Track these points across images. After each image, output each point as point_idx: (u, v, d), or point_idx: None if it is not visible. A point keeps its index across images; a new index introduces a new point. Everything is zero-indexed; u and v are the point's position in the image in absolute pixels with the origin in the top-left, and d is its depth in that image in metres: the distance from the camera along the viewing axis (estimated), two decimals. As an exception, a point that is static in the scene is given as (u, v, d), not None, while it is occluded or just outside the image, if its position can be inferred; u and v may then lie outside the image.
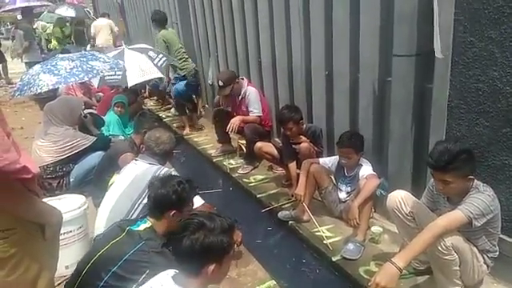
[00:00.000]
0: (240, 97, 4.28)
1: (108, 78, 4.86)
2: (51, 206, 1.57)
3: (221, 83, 4.21)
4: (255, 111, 4.19)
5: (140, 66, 4.96)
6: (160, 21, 5.92)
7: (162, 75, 5.33)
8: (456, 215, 1.97)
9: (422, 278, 2.44)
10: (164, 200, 2.01)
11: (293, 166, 3.57)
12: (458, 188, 2.04)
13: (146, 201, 2.40)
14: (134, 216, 2.41)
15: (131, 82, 4.89)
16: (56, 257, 1.66)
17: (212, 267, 1.43)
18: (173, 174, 2.57)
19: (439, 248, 2.00)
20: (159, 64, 5.18)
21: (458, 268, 2.08)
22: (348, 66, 3.29)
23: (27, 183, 1.43)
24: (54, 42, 9.89)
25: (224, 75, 4.38)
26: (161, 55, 5.32)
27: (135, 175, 2.60)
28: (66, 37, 10.01)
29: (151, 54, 5.28)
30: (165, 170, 2.62)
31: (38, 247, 1.52)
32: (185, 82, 5.85)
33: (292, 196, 3.42)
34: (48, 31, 10.39)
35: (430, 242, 1.95)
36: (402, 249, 2.31)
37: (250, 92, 4.24)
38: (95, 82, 5.01)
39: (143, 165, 2.67)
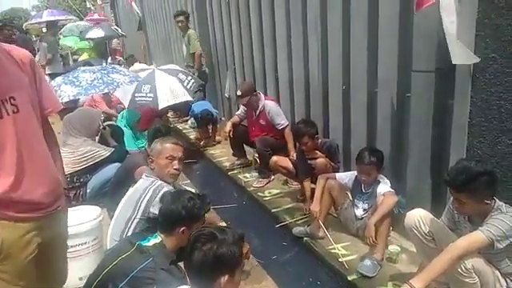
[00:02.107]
0: (258, 111, 4.28)
1: (138, 99, 4.88)
2: None
3: (239, 92, 4.27)
4: (282, 122, 4.18)
5: (171, 89, 4.97)
6: (188, 18, 6.30)
7: (191, 98, 5.32)
8: (477, 236, 1.91)
9: (440, 301, 2.35)
10: (173, 216, 2.00)
11: (307, 182, 3.54)
12: (474, 209, 1.99)
13: (140, 215, 2.39)
14: (129, 233, 2.35)
15: (162, 104, 4.89)
16: (18, 274, 1.55)
17: (225, 278, 1.42)
18: (166, 188, 2.44)
19: (459, 270, 1.94)
20: (188, 86, 5.19)
21: (479, 291, 2.00)
22: (366, 80, 3.26)
23: None
24: (84, 56, 10.16)
25: (244, 86, 4.47)
26: (189, 77, 5.36)
27: (134, 190, 2.57)
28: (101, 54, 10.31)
29: (181, 76, 5.29)
30: (156, 185, 2.47)
31: None
32: (202, 105, 5.88)
33: (307, 211, 3.38)
34: (77, 47, 10.72)
35: (449, 263, 1.89)
36: (420, 270, 2.24)
37: (271, 106, 4.23)
38: (126, 103, 5.05)
39: (142, 179, 2.61)
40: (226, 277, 1.42)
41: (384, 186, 2.83)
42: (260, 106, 4.26)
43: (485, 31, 2.25)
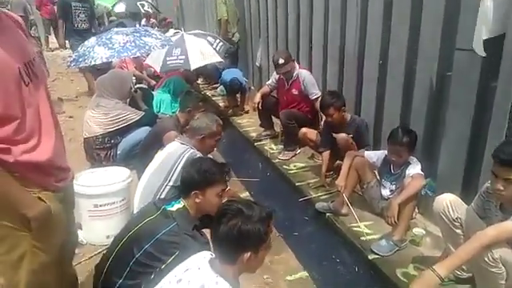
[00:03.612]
0: (291, 80, 4.19)
1: (170, 62, 4.94)
2: (34, 200, 1.47)
3: (281, 61, 4.09)
4: (316, 92, 4.11)
5: (201, 50, 5.02)
6: None
7: (221, 59, 5.34)
8: (508, 226, 1.84)
9: (462, 287, 2.31)
10: (187, 179, 2.05)
11: (326, 153, 3.56)
12: None
13: (172, 183, 2.45)
14: (162, 197, 2.42)
15: (194, 65, 4.94)
16: (54, 243, 1.59)
17: (248, 255, 1.43)
18: (199, 156, 2.52)
19: (486, 259, 1.88)
20: (217, 49, 5.24)
21: (503, 282, 1.95)
22: (405, 55, 3.12)
23: (17, 168, 1.40)
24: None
25: (283, 53, 4.31)
26: (218, 40, 5.39)
27: (165, 155, 2.62)
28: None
29: (209, 39, 5.35)
30: (190, 152, 2.57)
31: (23, 231, 1.49)
32: (233, 73, 5.82)
33: (325, 184, 3.49)
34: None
35: (476, 251, 1.83)
36: (444, 255, 2.21)
37: (305, 75, 4.15)
38: (157, 68, 5.11)
39: (175, 145, 2.67)
40: (249, 253, 1.43)
41: (414, 168, 2.74)
42: (294, 75, 4.17)
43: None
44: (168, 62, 4.95)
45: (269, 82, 4.60)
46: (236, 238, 1.41)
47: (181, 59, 4.91)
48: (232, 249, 1.43)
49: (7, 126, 1.38)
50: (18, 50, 1.44)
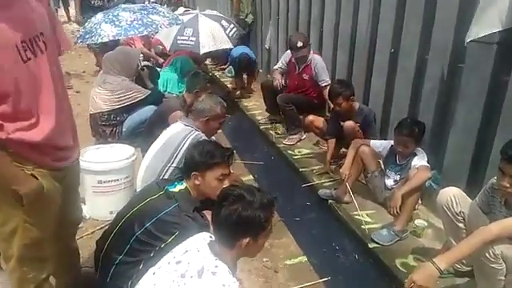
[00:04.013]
0: (304, 64, 4.12)
1: (181, 42, 4.87)
2: (26, 176, 1.46)
3: (300, 44, 3.96)
4: (327, 79, 4.05)
5: (213, 35, 4.93)
6: None
7: (231, 46, 5.24)
8: (511, 223, 1.82)
9: (461, 280, 2.32)
10: (188, 161, 2.07)
11: (332, 141, 3.56)
12: None
13: (175, 164, 2.45)
14: (165, 178, 2.42)
15: (203, 49, 4.88)
16: (47, 219, 1.60)
17: (246, 241, 1.42)
18: (203, 138, 2.52)
19: (487, 255, 1.88)
20: (230, 34, 5.12)
21: (503, 278, 1.94)
22: (417, 45, 3.07)
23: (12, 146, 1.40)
24: None
25: (301, 36, 4.16)
26: (232, 25, 5.27)
27: (169, 136, 2.62)
28: None
29: (224, 23, 5.22)
30: (195, 134, 2.56)
31: (15, 206, 1.48)
32: (241, 49, 5.75)
33: (330, 171, 3.50)
34: None
35: (478, 247, 1.83)
36: (445, 248, 2.21)
37: (318, 61, 4.09)
38: (168, 45, 5.05)
39: (180, 126, 2.66)
40: (248, 239, 1.42)
41: (420, 160, 2.71)
42: (307, 60, 4.10)
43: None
44: (178, 42, 4.89)
45: (278, 65, 4.50)
46: (235, 223, 1.41)
47: (192, 41, 4.84)
48: (231, 233, 1.43)
49: None
50: (22, 25, 1.40)
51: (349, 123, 3.30)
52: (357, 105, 3.44)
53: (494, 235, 1.82)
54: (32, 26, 1.45)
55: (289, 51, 4.23)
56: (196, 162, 2.04)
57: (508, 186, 1.88)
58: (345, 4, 4.00)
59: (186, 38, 4.84)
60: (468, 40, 2.34)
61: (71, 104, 1.75)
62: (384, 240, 2.61)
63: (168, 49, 5.13)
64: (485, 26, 2.26)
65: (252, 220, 1.42)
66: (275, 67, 4.57)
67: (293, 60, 4.18)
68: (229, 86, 6.28)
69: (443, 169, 2.83)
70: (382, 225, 2.79)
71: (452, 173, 2.77)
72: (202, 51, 4.91)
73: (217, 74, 7.02)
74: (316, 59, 4.09)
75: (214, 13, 5.69)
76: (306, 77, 4.12)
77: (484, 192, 2.17)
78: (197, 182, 2.03)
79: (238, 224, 1.41)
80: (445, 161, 2.85)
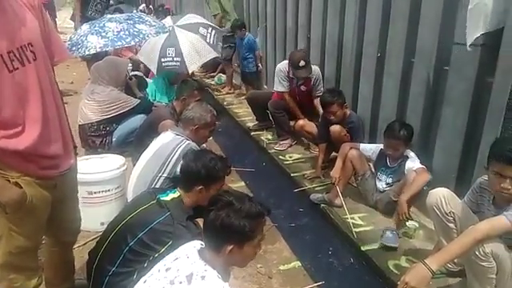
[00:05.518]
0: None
1: (166, 64, 4.66)
2: (7, 185, 1.46)
3: (302, 63, 3.76)
4: (322, 90, 3.97)
5: (196, 49, 4.75)
6: None
7: (217, 54, 5.09)
8: (500, 221, 1.85)
9: (453, 280, 2.35)
10: (193, 174, 2.02)
11: (323, 146, 3.60)
12: None
13: (166, 174, 2.44)
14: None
15: (191, 67, 4.72)
16: (33, 228, 1.59)
17: (230, 248, 1.41)
18: (194, 148, 2.50)
19: (477, 253, 1.90)
20: (212, 41, 4.92)
21: (494, 276, 1.97)
22: (403, 49, 3.11)
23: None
24: None
25: (303, 54, 3.93)
26: (210, 28, 5.04)
27: (160, 146, 2.60)
28: None
29: (201, 30, 4.96)
30: (185, 144, 2.55)
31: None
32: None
33: (321, 176, 3.50)
34: None
35: (468, 246, 1.84)
36: (437, 249, 2.23)
37: (318, 72, 4.05)
38: (154, 70, 4.83)
39: (170, 136, 2.64)
40: (232, 247, 1.41)
41: (414, 162, 2.76)
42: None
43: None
44: (163, 64, 4.68)
45: (282, 84, 4.11)
46: (218, 228, 1.41)
47: (176, 61, 4.64)
48: (215, 238, 1.44)
49: None
50: (9, 35, 1.39)
51: (335, 127, 3.35)
52: (348, 111, 3.48)
53: (484, 234, 1.84)
54: (18, 37, 1.43)
55: (280, 66, 4.16)
56: (202, 175, 2.01)
57: (510, 187, 1.87)
58: (331, 11, 4.04)
59: (170, 58, 4.63)
60: (469, 43, 2.36)
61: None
62: (395, 242, 2.61)
63: (155, 73, 4.98)
64: (473, 28, 2.31)
65: (235, 227, 1.41)
66: (280, 90, 4.18)
67: (291, 75, 4.04)
68: (215, 93, 6.35)
69: (432, 170, 2.86)
70: (374, 227, 2.81)
71: (441, 174, 2.80)
72: (191, 70, 4.78)
73: (206, 81, 7.04)
74: (316, 70, 4.02)
75: (189, 19, 5.28)
76: (303, 88, 4.09)
77: (472, 191, 2.21)
78: (200, 195, 2.01)
79: (221, 230, 1.41)
80: (433, 162, 2.88)
